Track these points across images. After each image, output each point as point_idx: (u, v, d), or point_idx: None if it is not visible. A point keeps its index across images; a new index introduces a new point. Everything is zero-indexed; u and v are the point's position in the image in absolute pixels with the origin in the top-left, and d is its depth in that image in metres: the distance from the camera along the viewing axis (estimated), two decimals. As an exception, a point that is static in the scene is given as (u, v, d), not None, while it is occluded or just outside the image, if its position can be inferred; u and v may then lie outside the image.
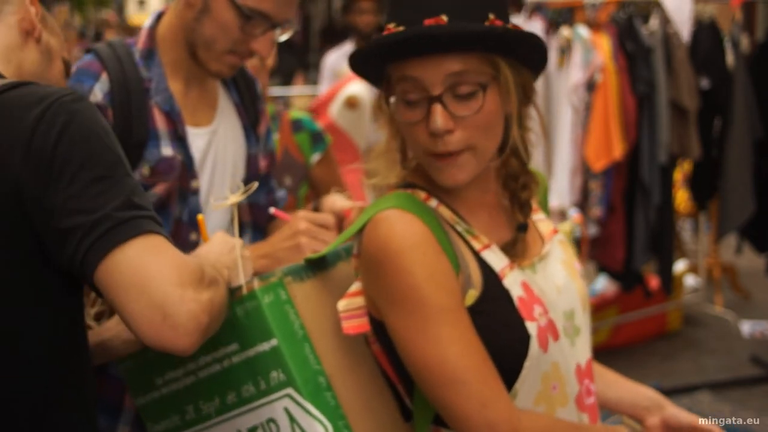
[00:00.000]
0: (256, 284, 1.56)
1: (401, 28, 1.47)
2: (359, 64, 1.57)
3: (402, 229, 1.48)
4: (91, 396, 1.52)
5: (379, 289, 1.51)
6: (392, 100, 1.54)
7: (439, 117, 1.47)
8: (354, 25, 6.24)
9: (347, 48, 6.15)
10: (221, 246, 1.65)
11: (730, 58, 5.32)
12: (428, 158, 1.52)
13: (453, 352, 1.45)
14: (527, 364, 1.49)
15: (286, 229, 1.92)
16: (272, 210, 2.02)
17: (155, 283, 1.30)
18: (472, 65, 1.48)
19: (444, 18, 1.45)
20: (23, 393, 1.39)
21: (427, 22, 1.45)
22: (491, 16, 1.48)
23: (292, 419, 1.54)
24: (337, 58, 6.07)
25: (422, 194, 1.57)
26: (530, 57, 1.54)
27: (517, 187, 1.61)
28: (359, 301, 1.56)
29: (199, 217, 1.78)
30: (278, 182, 2.91)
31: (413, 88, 1.49)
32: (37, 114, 1.35)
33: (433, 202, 1.56)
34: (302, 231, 1.88)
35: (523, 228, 1.61)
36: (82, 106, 1.38)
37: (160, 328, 1.30)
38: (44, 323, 1.40)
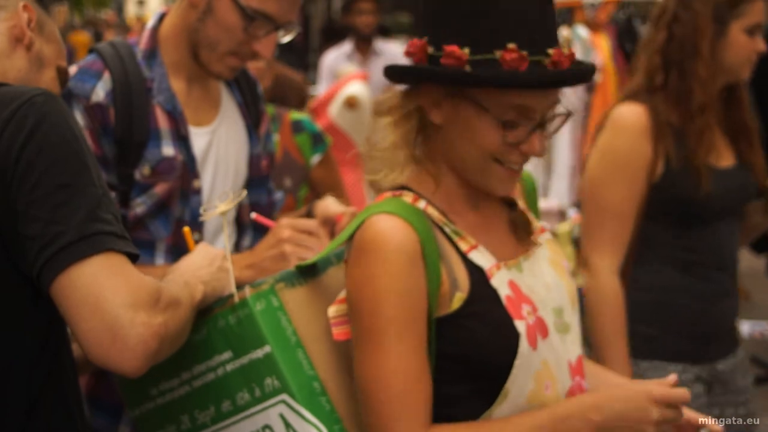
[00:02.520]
0: (248, 292, 1.57)
1: (524, 53, 1.47)
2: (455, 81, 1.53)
3: (383, 234, 1.48)
4: (74, 397, 1.50)
5: (348, 288, 1.53)
6: (483, 114, 1.52)
7: (541, 143, 1.53)
8: (353, 25, 6.25)
9: (346, 48, 6.16)
10: (202, 258, 1.64)
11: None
12: (493, 166, 1.54)
13: (384, 366, 1.46)
14: (517, 362, 1.50)
15: (270, 237, 1.91)
16: (254, 215, 2.00)
17: (108, 304, 1.30)
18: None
19: (566, 51, 1.51)
20: (2, 397, 1.38)
21: (555, 55, 1.49)
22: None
23: (287, 425, 1.54)
24: (335, 58, 6.07)
25: (410, 196, 1.57)
26: None
27: None
28: (347, 307, 1.56)
29: (185, 229, 1.77)
30: (278, 183, 2.91)
31: (521, 115, 1.51)
32: (6, 115, 1.33)
33: (422, 203, 1.57)
34: (286, 239, 1.87)
35: (513, 205, 1.66)
36: (53, 109, 1.36)
37: (108, 349, 1.30)
38: (20, 326, 1.39)
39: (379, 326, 1.47)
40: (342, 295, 1.57)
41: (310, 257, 1.80)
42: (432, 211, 1.56)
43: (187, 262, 1.64)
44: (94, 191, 1.35)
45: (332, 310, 1.56)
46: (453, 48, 1.49)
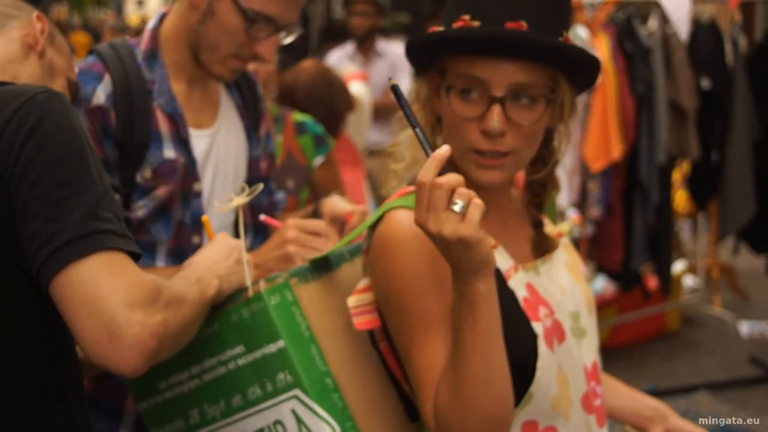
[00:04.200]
0: (262, 286, 1.56)
1: (476, 23, 1.47)
2: (418, 48, 1.55)
3: (404, 230, 1.48)
4: (77, 399, 1.49)
5: (375, 286, 1.53)
6: (444, 90, 1.53)
7: (497, 118, 1.47)
8: (349, 26, 6.29)
9: (348, 48, 6.17)
10: (219, 251, 1.64)
11: (729, 59, 5.32)
12: (471, 154, 1.51)
13: (421, 355, 1.45)
14: (540, 364, 1.49)
15: (275, 237, 1.91)
16: (262, 217, 1.99)
17: (105, 303, 1.29)
18: (537, 79, 1.49)
19: (524, 24, 1.45)
20: (1, 398, 1.37)
21: (509, 25, 1.45)
22: (565, 33, 1.50)
23: (299, 421, 1.54)
24: (338, 59, 6.08)
25: None
26: (585, 78, 1.56)
27: (542, 193, 1.66)
28: (368, 297, 1.56)
29: (204, 218, 1.77)
30: (281, 184, 2.90)
31: (475, 85, 1.49)
32: (8, 113, 1.33)
33: None
34: (290, 239, 1.85)
35: (539, 224, 1.65)
36: (55, 106, 1.36)
37: (105, 348, 1.30)
38: (20, 325, 1.38)
39: (412, 323, 1.46)
40: (361, 285, 1.57)
41: None
42: None
43: (202, 256, 1.63)
44: (94, 189, 1.34)
45: (352, 300, 1.56)
46: (433, 28, 1.52)
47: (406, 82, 5.78)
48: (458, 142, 1.52)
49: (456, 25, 1.49)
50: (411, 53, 1.58)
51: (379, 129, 5.38)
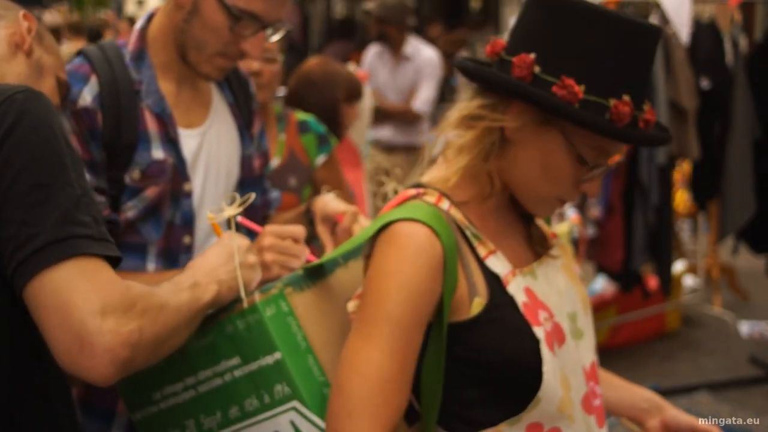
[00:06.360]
0: (257, 297, 1.55)
1: (592, 98, 1.46)
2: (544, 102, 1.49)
3: (409, 239, 1.47)
4: (65, 409, 1.48)
5: (364, 281, 1.52)
6: (564, 145, 1.51)
7: (598, 185, 1.58)
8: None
9: (380, 49, 6.24)
10: (220, 255, 1.62)
11: (729, 59, 5.32)
12: (555, 201, 1.58)
13: (367, 359, 1.44)
14: (546, 368, 1.48)
15: (253, 245, 1.86)
16: (239, 218, 1.93)
17: (77, 311, 1.26)
18: None
19: (630, 101, 1.48)
20: None
21: (648, 112, 1.51)
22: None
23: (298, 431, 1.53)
24: (371, 58, 6.19)
25: (434, 195, 1.57)
26: None
27: None
28: None
29: (210, 217, 1.74)
30: (283, 183, 2.90)
31: (597, 153, 1.53)
32: None
33: (445, 204, 1.56)
34: (266, 247, 1.84)
35: (529, 219, 1.65)
36: (34, 106, 1.33)
37: (76, 357, 1.27)
38: (2, 326, 1.35)
39: (378, 320, 1.45)
40: (360, 290, 1.56)
41: (294, 264, 1.79)
42: (455, 213, 1.55)
43: (204, 260, 1.61)
44: (72, 192, 1.31)
45: (352, 305, 1.56)
46: (572, 82, 1.46)
47: (430, 86, 5.83)
48: (550, 189, 1.56)
49: (560, 91, 1.46)
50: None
51: (401, 130, 5.54)
